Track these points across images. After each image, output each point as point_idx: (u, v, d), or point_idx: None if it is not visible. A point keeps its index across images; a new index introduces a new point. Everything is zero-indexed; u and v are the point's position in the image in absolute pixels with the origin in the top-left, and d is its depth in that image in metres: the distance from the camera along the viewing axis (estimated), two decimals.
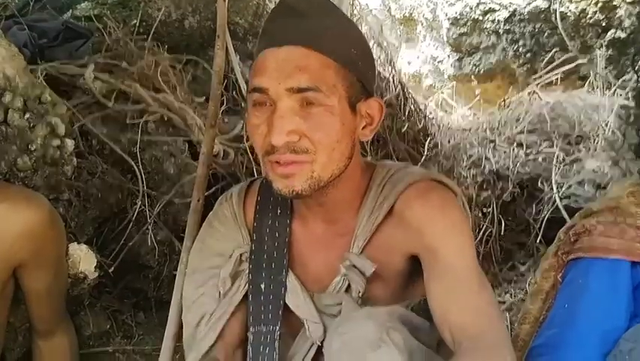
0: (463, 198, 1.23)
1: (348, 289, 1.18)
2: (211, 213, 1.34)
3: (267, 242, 1.24)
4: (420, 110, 3.33)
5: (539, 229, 2.93)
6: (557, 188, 2.99)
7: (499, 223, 3.00)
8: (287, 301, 1.21)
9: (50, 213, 1.40)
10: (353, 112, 1.12)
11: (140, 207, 1.95)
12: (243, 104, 2.46)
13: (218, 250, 1.27)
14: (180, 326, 1.38)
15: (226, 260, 1.25)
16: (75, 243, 1.63)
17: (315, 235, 1.23)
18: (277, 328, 1.20)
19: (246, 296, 1.24)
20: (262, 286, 1.22)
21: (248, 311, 1.23)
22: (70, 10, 2.46)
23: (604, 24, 3.89)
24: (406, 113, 3.11)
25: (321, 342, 1.16)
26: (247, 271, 1.24)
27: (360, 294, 1.16)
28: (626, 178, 1.42)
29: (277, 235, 1.24)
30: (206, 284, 1.25)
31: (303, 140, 1.07)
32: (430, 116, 3.52)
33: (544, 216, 2.91)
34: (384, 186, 1.19)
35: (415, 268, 1.17)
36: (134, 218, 1.94)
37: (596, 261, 1.21)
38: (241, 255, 1.25)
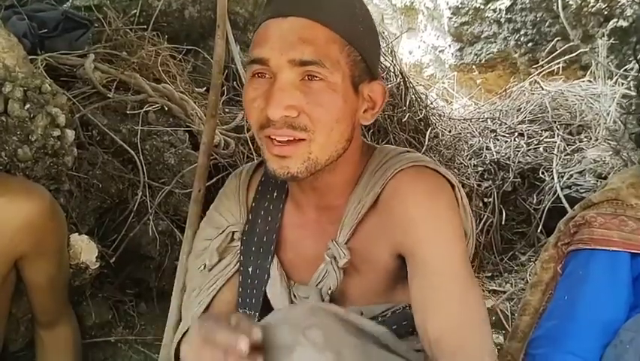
0: (461, 192, 1.12)
1: None
2: (223, 186, 1.32)
3: (259, 225, 1.21)
4: (421, 99, 3.32)
5: (540, 218, 2.94)
6: (558, 178, 2.99)
7: (500, 213, 3.01)
8: (267, 290, 1.18)
9: (51, 204, 1.40)
10: (355, 93, 1.06)
11: (141, 197, 1.95)
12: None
13: (218, 223, 1.24)
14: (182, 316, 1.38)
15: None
16: (76, 233, 1.63)
17: (307, 220, 1.18)
18: (257, 314, 1.17)
19: (237, 274, 1.21)
20: (250, 270, 1.19)
21: (237, 291, 1.20)
22: (70, 0, 2.45)
23: (606, 13, 3.88)
24: (407, 103, 3.10)
25: None
26: (238, 251, 1.21)
27: (330, 291, 1.10)
28: (627, 168, 1.41)
29: (270, 218, 1.20)
30: (200, 258, 1.23)
31: (302, 116, 1.01)
32: (431, 106, 3.51)
33: (545, 206, 2.92)
34: (376, 172, 1.12)
35: (404, 268, 1.07)
36: (134, 209, 1.94)
37: (596, 252, 1.21)
38: (234, 233, 1.22)
